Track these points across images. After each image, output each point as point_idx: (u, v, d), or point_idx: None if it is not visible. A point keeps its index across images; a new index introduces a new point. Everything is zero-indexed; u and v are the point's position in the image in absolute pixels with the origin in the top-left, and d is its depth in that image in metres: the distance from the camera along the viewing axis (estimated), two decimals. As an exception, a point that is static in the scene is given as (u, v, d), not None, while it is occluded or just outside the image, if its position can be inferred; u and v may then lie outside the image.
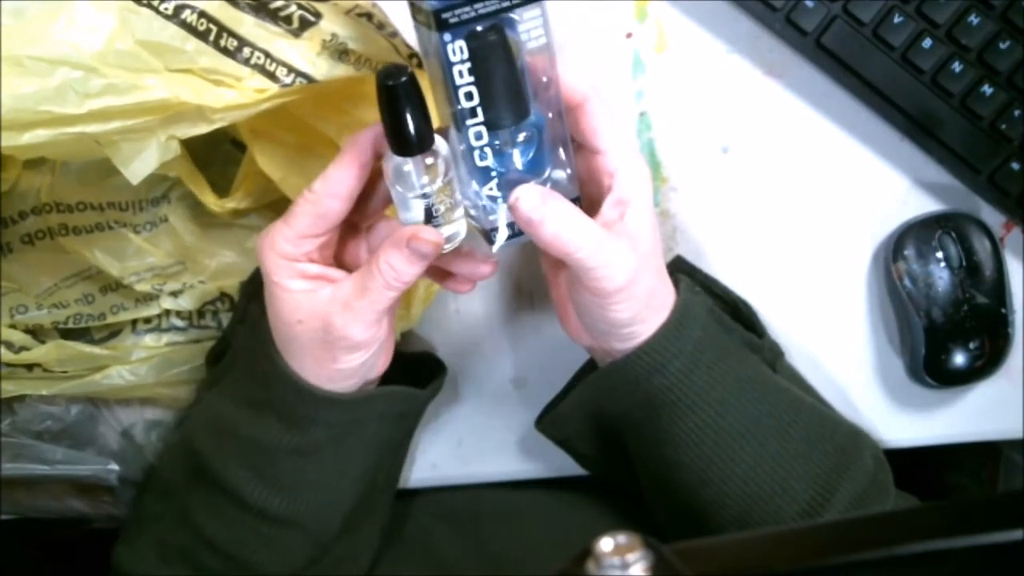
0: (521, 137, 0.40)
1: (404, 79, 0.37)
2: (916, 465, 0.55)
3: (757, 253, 0.56)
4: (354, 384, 0.45)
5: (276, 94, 0.42)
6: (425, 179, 0.40)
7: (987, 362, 0.55)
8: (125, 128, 0.40)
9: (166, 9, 0.39)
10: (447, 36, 0.37)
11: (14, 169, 0.51)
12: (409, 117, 0.38)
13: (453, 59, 0.37)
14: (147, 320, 0.55)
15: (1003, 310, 0.55)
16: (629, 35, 0.53)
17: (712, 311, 0.49)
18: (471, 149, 0.40)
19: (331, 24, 0.42)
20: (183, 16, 0.40)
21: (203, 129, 0.42)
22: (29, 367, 0.53)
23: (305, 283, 0.43)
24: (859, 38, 0.51)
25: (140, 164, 0.41)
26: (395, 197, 0.41)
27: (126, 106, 0.39)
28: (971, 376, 0.56)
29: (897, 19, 0.51)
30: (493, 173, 0.41)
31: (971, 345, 0.55)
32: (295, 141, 0.49)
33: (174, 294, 0.54)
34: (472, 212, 0.43)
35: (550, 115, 0.41)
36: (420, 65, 0.44)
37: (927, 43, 0.51)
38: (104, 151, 0.41)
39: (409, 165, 0.39)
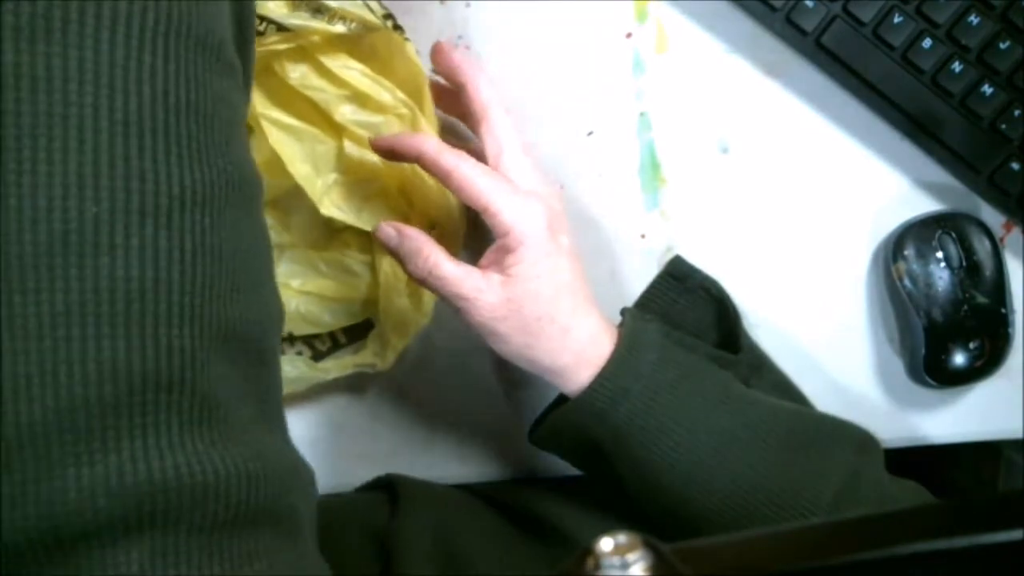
0: None
1: None
2: (916, 465, 0.55)
3: (757, 253, 0.56)
4: None
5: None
6: None
7: (987, 362, 0.55)
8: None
9: None
10: None
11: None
12: None
13: None
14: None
15: (1003, 310, 0.55)
16: (629, 35, 0.53)
17: (669, 335, 0.48)
18: None
19: None
20: None
21: None
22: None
23: None
24: (859, 38, 0.51)
25: None
26: None
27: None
28: (971, 376, 0.56)
29: (897, 19, 0.51)
30: None
31: (971, 345, 0.55)
32: (298, 124, 0.50)
33: None
34: None
35: None
36: (396, 27, 0.46)
37: (927, 43, 0.51)
38: None
39: None
